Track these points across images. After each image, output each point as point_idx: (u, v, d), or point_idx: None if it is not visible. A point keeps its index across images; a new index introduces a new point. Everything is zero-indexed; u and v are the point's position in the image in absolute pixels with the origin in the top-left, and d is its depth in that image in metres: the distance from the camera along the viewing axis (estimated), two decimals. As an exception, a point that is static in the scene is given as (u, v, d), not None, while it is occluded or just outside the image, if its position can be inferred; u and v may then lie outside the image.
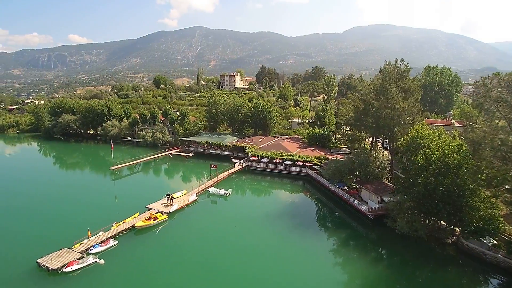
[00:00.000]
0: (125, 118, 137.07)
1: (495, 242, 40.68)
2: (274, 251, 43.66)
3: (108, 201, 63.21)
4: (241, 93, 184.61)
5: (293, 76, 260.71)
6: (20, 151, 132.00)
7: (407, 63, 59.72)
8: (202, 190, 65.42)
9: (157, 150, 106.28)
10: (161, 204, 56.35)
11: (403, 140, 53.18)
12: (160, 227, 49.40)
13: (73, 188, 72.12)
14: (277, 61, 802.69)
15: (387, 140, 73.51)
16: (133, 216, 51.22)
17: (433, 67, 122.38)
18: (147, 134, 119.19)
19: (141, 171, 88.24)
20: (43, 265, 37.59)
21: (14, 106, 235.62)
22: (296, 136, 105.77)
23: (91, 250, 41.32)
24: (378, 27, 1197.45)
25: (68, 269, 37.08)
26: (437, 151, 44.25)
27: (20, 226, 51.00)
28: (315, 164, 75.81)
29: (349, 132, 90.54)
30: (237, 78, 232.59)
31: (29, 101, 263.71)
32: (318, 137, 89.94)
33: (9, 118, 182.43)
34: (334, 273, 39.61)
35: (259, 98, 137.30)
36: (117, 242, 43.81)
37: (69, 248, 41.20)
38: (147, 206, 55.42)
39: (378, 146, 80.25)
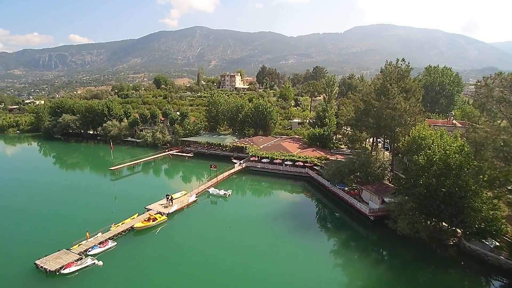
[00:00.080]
0: (125, 118, 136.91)
1: (497, 243, 40.24)
2: (274, 252, 43.34)
3: (107, 202, 62.88)
4: (242, 93, 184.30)
5: (293, 76, 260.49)
6: (20, 151, 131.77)
7: (408, 63, 59.29)
8: (202, 191, 65.07)
9: (157, 150, 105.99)
10: (161, 204, 56.01)
11: (404, 140, 52.81)
12: (159, 228, 49.09)
13: (72, 188, 71.88)
14: (278, 61, 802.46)
15: (388, 140, 73.08)
16: (132, 217, 50.95)
17: (434, 67, 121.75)
18: (147, 134, 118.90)
19: (140, 172, 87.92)
20: (41, 267, 37.31)
21: (15, 106, 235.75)
22: (297, 137, 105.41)
23: (89, 251, 41.01)
24: (379, 27, 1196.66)
25: (66, 271, 36.79)
26: (438, 151, 43.90)
27: (19, 227, 50.77)
28: (315, 165, 75.44)
29: (349, 132, 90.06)
30: (238, 78, 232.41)
31: (30, 101, 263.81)
32: (319, 137, 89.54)
33: (9, 118, 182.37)
34: (335, 274, 39.30)
35: (260, 98, 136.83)
36: (115, 243, 43.49)
37: (68, 250, 40.93)
38: (146, 207, 55.11)
39: (379, 147, 79.82)
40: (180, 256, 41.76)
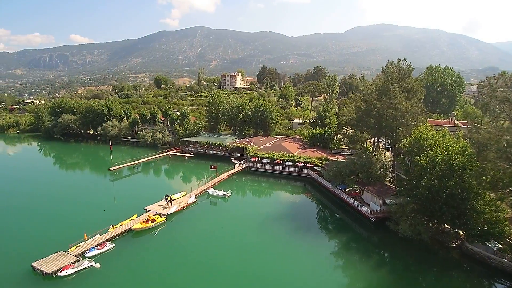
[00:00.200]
0: (125, 118, 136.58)
1: (501, 246, 39.66)
2: (274, 253, 42.91)
3: (106, 203, 62.24)
4: (242, 93, 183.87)
5: (294, 76, 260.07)
6: (19, 151, 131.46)
7: (410, 63, 58.76)
8: (201, 192, 64.56)
9: (157, 150, 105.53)
10: (160, 205, 55.48)
11: (406, 141, 52.20)
12: (158, 229, 48.58)
13: (71, 189, 71.52)
14: (279, 61, 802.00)
15: (389, 141, 72.49)
16: (130, 218, 50.48)
17: (435, 67, 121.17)
18: (147, 134, 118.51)
19: (140, 172, 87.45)
20: (38, 269, 36.78)
21: (15, 106, 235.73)
22: (297, 137, 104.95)
23: (87, 253, 40.50)
24: (380, 27, 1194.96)
25: (63, 273, 36.28)
26: (441, 152, 43.32)
27: (17, 227, 50.44)
28: (316, 165, 74.90)
29: (350, 132, 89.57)
30: (238, 78, 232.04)
31: (30, 101, 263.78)
32: (319, 137, 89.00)
33: (9, 118, 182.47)
34: (335, 276, 38.94)
35: (260, 98, 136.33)
36: (113, 245, 42.97)
37: (65, 251, 40.39)
38: (145, 208, 54.57)
39: (380, 147, 79.25)
40: (179, 258, 41.25)
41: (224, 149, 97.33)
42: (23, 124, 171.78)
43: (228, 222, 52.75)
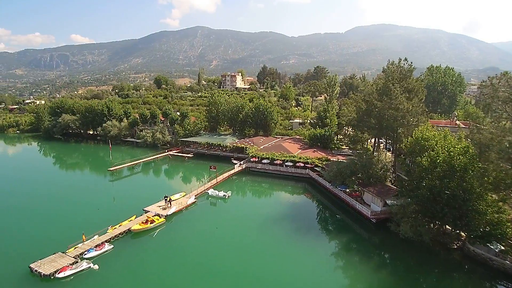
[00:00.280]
0: (125, 118, 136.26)
1: (503, 247, 39.25)
2: (274, 254, 42.60)
3: (105, 203, 61.84)
4: (242, 93, 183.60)
5: (294, 76, 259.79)
6: (19, 151, 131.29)
7: (411, 63, 58.40)
8: (201, 192, 64.21)
9: (157, 150, 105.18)
10: (159, 206, 55.14)
11: (407, 141, 51.85)
12: (157, 230, 48.25)
13: (70, 189, 71.25)
14: (279, 61, 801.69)
15: (390, 141, 72.09)
16: (129, 219, 50.15)
17: (436, 67, 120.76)
18: (147, 135, 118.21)
19: (139, 172, 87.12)
20: (36, 270, 36.47)
21: (15, 106, 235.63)
22: (297, 137, 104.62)
23: (85, 254, 40.17)
24: (380, 27, 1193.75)
25: (61, 275, 35.92)
26: (442, 153, 42.98)
27: (15, 228, 50.16)
28: (316, 166, 74.53)
29: (351, 133, 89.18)
30: (238, 78, 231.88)
31: (30, 101, 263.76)
32: (320, 138, 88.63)
33: (9, 118, 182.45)
34: (336, 277, 38.66)
35: (260, 98, 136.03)
36: (112, 246, 42.63)
37: (63, 253, 40.06)
38: (144, 209, 54.23)
39: (381, 148, 78.87)
40: (178, 260, 40.89)
41: (224, 150, 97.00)
42: (23, 124, 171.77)
43: (227, 223, 52.43)
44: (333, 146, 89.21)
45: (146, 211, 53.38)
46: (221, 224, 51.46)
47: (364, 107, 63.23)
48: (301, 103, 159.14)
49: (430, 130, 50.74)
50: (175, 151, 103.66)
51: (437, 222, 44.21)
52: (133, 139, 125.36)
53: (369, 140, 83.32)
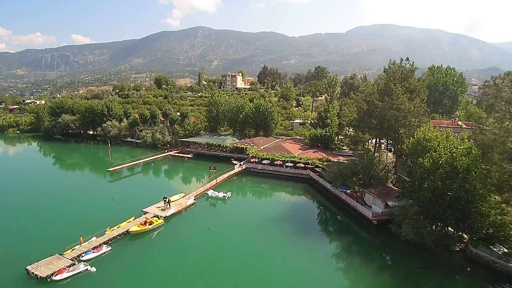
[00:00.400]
0: (125, 119, 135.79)
1: (506, 250, 38.55)
2: (274, 255, 42.19)
3: (104, 204, 61.47)
4: (243, 93, 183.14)
5: (295, 76, 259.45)
6: (19, 151, 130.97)
7: (413, 62, 57.85)
8: (200, 193, 63.67)
9: (157, 151, 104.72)
10: (158, 207, 54.62)
11: (409, 142, 51.31)
12: (156, 232, 47.73)
13: (69, 190, 70.83)
14: (280, 61, 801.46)
15: (391, 142, 71.55)
16: (128, 221, 49.62)
17: (437, 67, 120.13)
18: (147, 135, 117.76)
19: (139, 173, 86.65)
20: (32, 273, 36.02)
21: (15, 106, 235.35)
22: (298, 137, 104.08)
23: (82, 256, 39.69)
24: (381, 27, 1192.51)
25: (58, 277, 35.49)
26: (444, 154, 42.41)
27: (13, 228, 49.81)
28: (317, 166, 73.98)
29: (352, 133, 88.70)
30: (239, 78, 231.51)
31: (30, 101, 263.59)
32: (320, 138, 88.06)
33: (9, 118, 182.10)
34: (336, 278, 38.25)
35: (261, 98, 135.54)
36: (110, 248, 42.15)
37: (60, 255, 39.60)
38: (143, 210, 53.72)
39: (382, 148, 78.33)
40: (177, 261, 40.44)
41: (224, 150, 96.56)
42: (23, 124, 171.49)
43: (227, 224, 51.98)
44: (333, 147, 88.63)
45: (145, 212, 52.87)
46: (221, 225, 51.10)
47: (365, 107, 62.74)
48: (302, 103, 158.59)
49: (432, 130, 50.16)
50: (175, 151, 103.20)
51: (439, 224, 43.70)
52: (133, 140, 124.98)
53: (370, 141, 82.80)
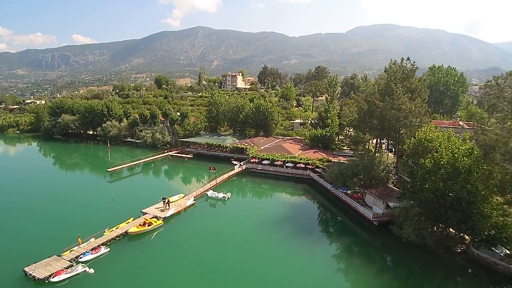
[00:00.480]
0: (124, 119, 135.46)
1: (508, 251, 38.34)
2: (274, 256, 41.92)
3: (103, 205, 61.07)
4: (243, 93, 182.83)
5: (295, 76, 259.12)
6: (19, 151, 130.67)
7: (414, 62, 57.46)
8: (200, 194, 63.33)
9: (157, 151, 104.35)
10: (157, 208, 54.30)
11: (410, 142, 50.95)
12: (155, 233, 47.40)
13: (69, 190, 70.53)
14: (280, 61, 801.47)
15: (392, 142, 71.19)
16: (127, 221, 49.23)
17: (438, 67, 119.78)
18: (147, 135, 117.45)
19: (138, 173, 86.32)
20: (30, 274, 35.71)
21: (15, 106, 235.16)
22: (298, 137, 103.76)
23: (81, 258, 39.36)
24: (382, 27, 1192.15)
25: (56, 279, 35.20)
26: (446, 154, 42.07)
27: (11, 229, 49.55)
28: (317, 167, 73.62)
29: (352, 133, 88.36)
30: (239, 78, 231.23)
31: (30, 101, 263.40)
32: (321, 138, 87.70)
33: (9, 118, 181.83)
34: (336, 280, 37.92)
35: (261, 98, 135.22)
36: (108, 249, 41.81)
37: (58, 256, 39.29)
38: (142, 211, 53.38)
39: (382, 148, 77.94)
40: (176, 263, 40.14)
41: (224, 150, 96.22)
42: (23, 124, 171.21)
43: (227, 225, 51.66)
44: (334, 147, 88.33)
45: (144, 213, 52.55)
46: (221, 226, 50.81)
47: (366, 107, 62.33)
48: (302, 103, 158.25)
49: (433, 131, 49.79)
50: (174, 151, 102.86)
51: (440, 225, 43.33)
52: (132, 140, 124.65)
53: (370, 141, 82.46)
